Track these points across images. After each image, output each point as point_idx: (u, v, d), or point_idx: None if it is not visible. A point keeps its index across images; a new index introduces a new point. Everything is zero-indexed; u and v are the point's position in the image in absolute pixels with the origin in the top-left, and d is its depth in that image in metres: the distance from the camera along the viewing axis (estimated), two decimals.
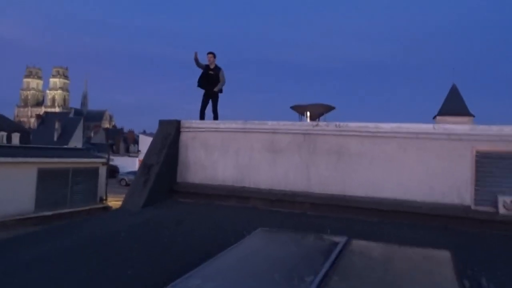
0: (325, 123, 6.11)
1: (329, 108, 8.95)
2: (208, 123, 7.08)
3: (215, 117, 8.64)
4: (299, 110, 8.88)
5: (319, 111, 8.91)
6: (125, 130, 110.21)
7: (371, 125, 5.78)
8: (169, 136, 6.74)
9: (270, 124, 6.32)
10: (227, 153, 6.52)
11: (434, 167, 5.43)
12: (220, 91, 8.91)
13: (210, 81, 8.79)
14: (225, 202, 6.23)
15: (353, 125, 5.87)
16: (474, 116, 52.19)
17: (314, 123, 6.13)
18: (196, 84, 8.86)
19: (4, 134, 61.87)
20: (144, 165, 6.38)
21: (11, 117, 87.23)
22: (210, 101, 8.79)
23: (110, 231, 4.68)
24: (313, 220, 5.54)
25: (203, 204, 6.22)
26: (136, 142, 75.35)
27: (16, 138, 62.74)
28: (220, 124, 6.70)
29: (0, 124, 63.36)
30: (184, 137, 6.84)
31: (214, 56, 8.95)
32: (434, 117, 53.15)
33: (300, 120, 9.15)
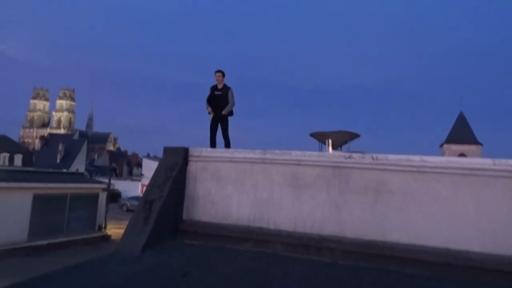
0: (359, 154, 5.20)
1: (353, 136, 8.06)
2: (221, 151, 6.17)
3: (227, 144, 7.68)
4: (320, 137, 7.98)
5: (342, 139, 8.02)
6: (129, 153, 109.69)
7: (415, 159, 4.86)
8: (175, 166, 5.84)
9: (294, 154, 5.42)
10: (242, 187, 5.59)
11: (496, 211, 4.47)
12: (230, 113, 7.97)
13: (217, 102, 7.83)
14: (239, 246, 5.27)
15: (393, 157, 4.95)
16: (482, 145, 51.38)
17: (346, 154, 5.24)
18: (206, 108, 7.86)
19: (7, 155, 61.52)
20: (145, 200, 5.46)
21: (16, 138, 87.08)
22: (220, 126, 7.87)
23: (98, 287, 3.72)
24: (347, 272, 4.58)
25: (213, 248, 5.26)
26: (139, 165, 74.48)
27: (18, 160, 62.34)
28: (235, 153, 5.79)
29: (3, 145, 63.03)
30: (193, 167, 5.93)
31: (223, 75, 7.98)
32: (441, 145, 52.35)
33: (320, 148, 8.27)
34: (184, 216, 5.75)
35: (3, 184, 14.92)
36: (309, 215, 5.21)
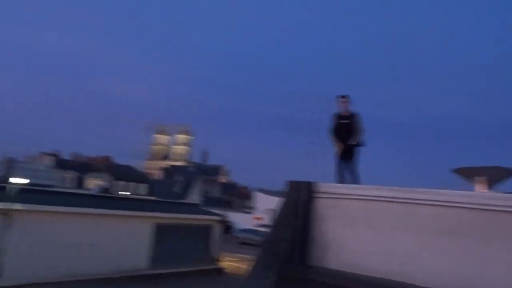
0: None
1: (510, 173, 6.65)
2: (352, 188, 5.42)
3: (356, 180, 6.80)
4: (467, 173, 6.73)
5: (497, 176, 6.66)
6: (239, 185, 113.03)
7: None
8: (300, 203, 5.22)
9: (445, 194, 4.44)
10: (379, 232, 4.74)
11: None
12: (360, 143, 7.07)
13: (344, 131, 6.98)
14: None
15: None
16: None
17: None
18: (332, 140, 7.08)
19: (134, 184, 67.56)
20: (267, 241, 4.91)
21: (140, 169, 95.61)
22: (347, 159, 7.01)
23: None
24: None
25: None
26: (249, 197, 75.89)
27: (143, 189, 68.02)
28: (368, 190, 4.99)
29: (131, 175, 69.58)
30: (320, 205, 5.25)
31: (348, 101, 7.17)
32: None
33: (465, 187, 7.00)
34: (312, 262, 5.05)
35: (129, 213, 15.90)
36: (467, 272, 4.16)
